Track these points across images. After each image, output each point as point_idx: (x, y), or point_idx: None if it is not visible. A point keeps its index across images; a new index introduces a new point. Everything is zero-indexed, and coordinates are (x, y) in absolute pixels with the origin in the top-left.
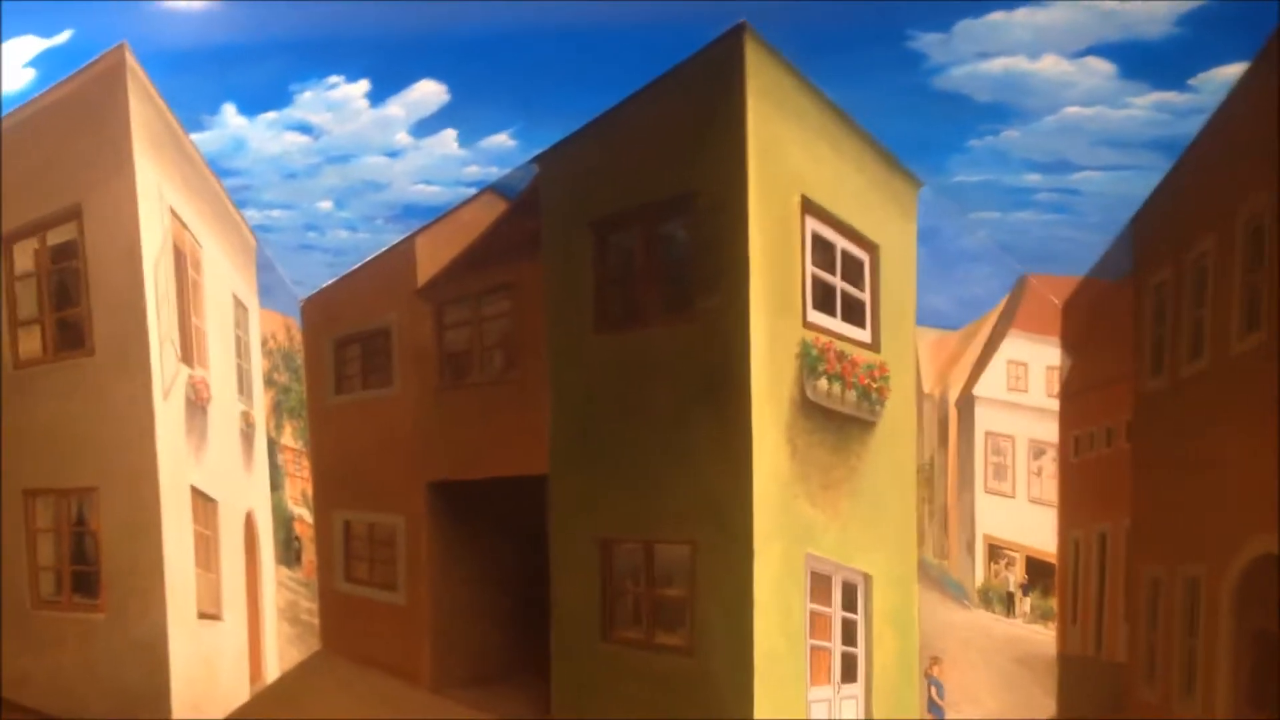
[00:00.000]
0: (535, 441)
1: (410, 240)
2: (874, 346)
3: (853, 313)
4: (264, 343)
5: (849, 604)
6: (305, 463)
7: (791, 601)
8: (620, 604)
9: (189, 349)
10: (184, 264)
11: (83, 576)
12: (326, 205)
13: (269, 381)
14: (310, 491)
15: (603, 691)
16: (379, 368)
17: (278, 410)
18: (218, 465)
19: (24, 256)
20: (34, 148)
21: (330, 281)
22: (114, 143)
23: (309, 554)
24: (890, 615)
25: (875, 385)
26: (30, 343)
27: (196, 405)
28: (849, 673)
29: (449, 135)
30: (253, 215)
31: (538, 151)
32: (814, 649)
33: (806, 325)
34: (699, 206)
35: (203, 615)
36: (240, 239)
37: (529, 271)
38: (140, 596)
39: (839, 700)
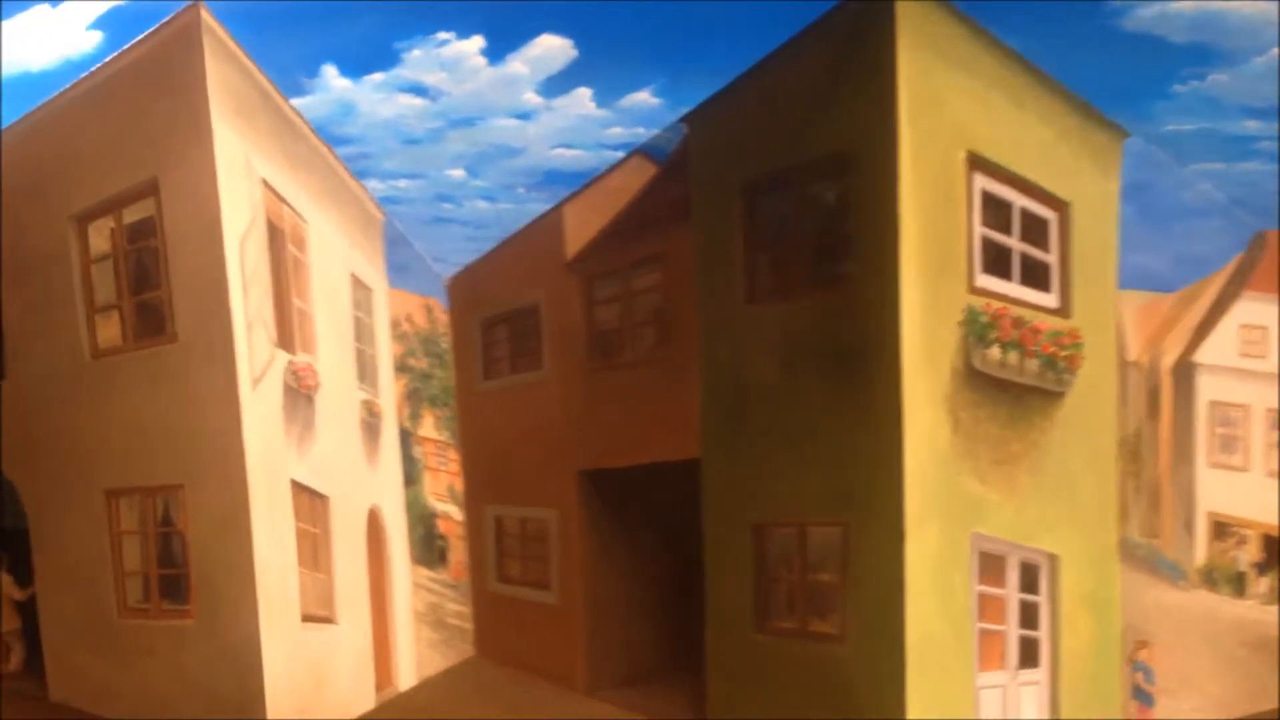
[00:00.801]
0: (686, 424)
1: (558, 210)
2: (1063, 312)
3: (1035, 276)
4: (395, 325)
5: (1030, 585)
6: (452, 455)
7: (954, 583)
8: (774, 592)
9: (288, 333)
10: (281, 241)
11: (170, 580)
12: (458, 173)
13: (402, 368)
14: (458, 486)
15: (756, 685)
16: (528, 350)
17: (414, 398)
18: (329, 458)
19: (99, 237)
20: (105, 118)
21: (476, 257)
22: (191, 110)
23: (458, 553)
24: (1084, 597)
25: (1063, 353)
26: (109, 330)
27: (299, 394)
28: (1029, 658)
29: (583, 94)
30: (375, 186)
31: (684, 110)
32: (984, 633)
33: (974, 291)
34: (849, 167)
35: (309, 618)
36: (361, 213)
37: (679, 241)
38: (231, 600)
39: (1016, 686)
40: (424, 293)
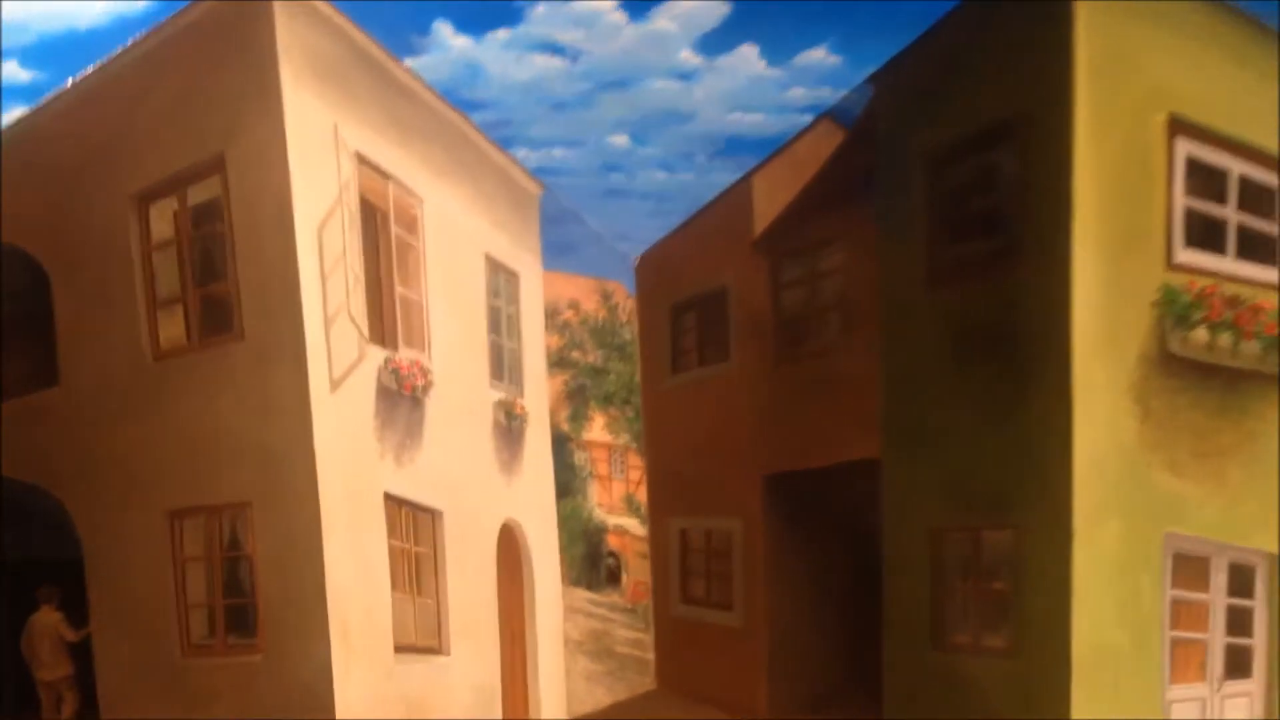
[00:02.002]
0: (868, 421)
1: (746, 181)
2: None
3: (1257, 249)
4: (553, 314)
5: (1243, 589)
6: (633, 461)
7: (1140, 588)
8: (949, 604)
9: (387, 327)
10: (382, 222)
11: (237, 611)
12: (621, 140)
13: (562, 362)
14: (640, 497)
15: (931, 705)
16: (715, 339)
17: (577, 397)
18: (443, 468)
19: (162, 220)
20: (166, 85)
21: (663, 234)
22: (260, 75)
23: (636, 573)
24: None
25: None
26: (171, 328)
27: (399, 396)
28: (1240, 667)
29: (748, 53)
30: (525, 155)
31: (868, 70)
32: (1178, 642)
33: (1173, 268)
34: (1026, 133)
35: (406, 649)
36: (507, 186)
37: (862, 216)
38: (302, 630)
39: (1218, 699)
40: (598, 274)
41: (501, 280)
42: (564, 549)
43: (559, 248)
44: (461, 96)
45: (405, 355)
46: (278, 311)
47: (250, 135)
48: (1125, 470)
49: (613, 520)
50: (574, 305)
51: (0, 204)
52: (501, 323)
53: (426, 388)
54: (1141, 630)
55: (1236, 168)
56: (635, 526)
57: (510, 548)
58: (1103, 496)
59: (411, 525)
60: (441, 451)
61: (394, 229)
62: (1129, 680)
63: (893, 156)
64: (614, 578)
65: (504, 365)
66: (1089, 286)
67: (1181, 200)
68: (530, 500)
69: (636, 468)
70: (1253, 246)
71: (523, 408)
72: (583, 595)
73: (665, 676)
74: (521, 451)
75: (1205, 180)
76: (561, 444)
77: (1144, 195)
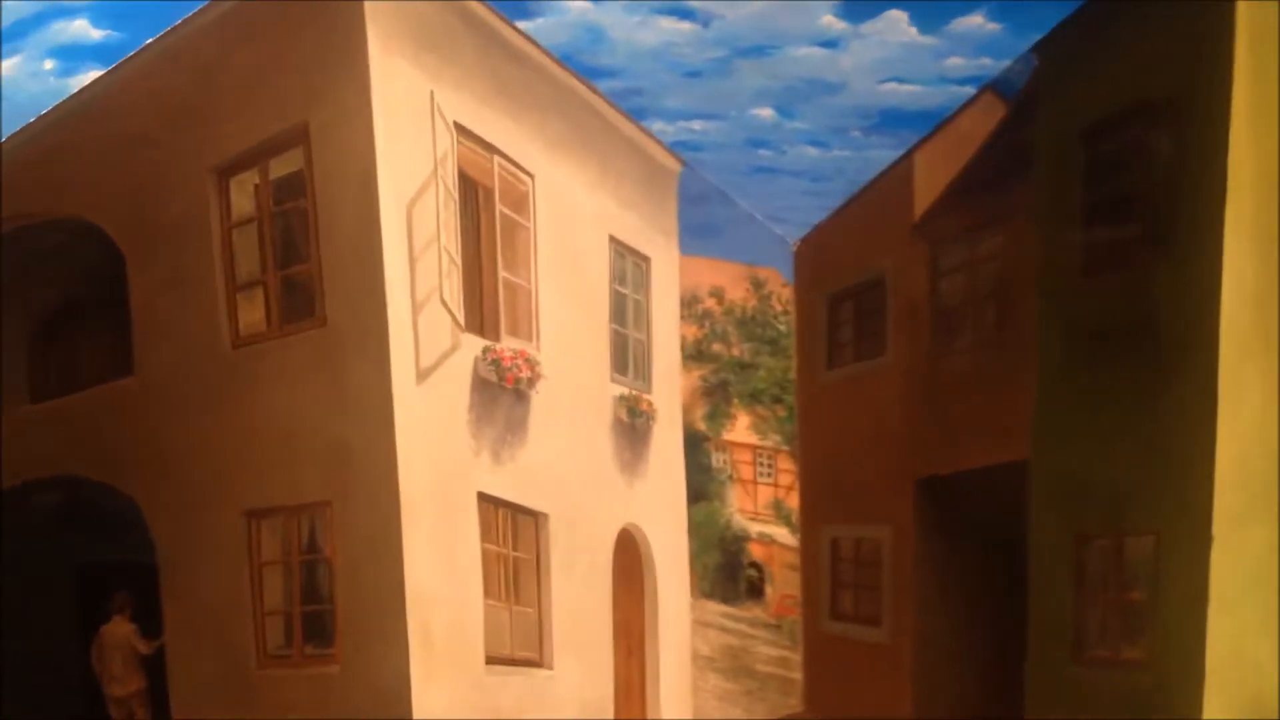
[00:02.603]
0: (1019, 420)
1: (908, 159)
2: None
3: None
4: (691, 303)
5: None
6: (784, 464)
7: None
8: (1090, 615)
9: (488, 314)
10: (485, 200)
11: (314, 619)
12: (765, 113)
13: (700, 355)
14: (790, 502)
15: None
16: (872, 331)
17: (717, 394)
18: (550, 467)
19: (242, 195)
20: (247, 47)
21: (822, 216)
22: (344, 37)
23: (784, 586)
24: None
25: None
26: (251, 312)
27: (500, 389)
28: None
29: (897, 18)
30: (660, 129)
31: (1032, 38)
32: None
33: None
34: (1182, 115)
35: (500, 660)
36: (640, 162)
37: (1022, 199)
38: (379, 638)
39: None
40: (748, 260)
41: (629, 265)
42: (695, 558)
43: (702, 230)
44: (584, 63)
45: (508, 345)
46: (361, 296)
47: (334, 103)
48: (1275, 473)
49: (756, 528)
50: (717, 293)
51: (68, 176)
52: (627, 311)
53: (533, 381)
54: None
55: None
56: (784, 535)
57: (629, 555)
58: (1248, 500)
59: (510, 528)
60: (549, 450)
61: (499, 207)
62: (1271, 692)
63: (1051, 133)
64: (755, 590)
65: (628, 358)
66: (1241, 278)
67: None
68: (655, 504)
69: (787, 471)
70: None
71: (649, 404)
72: (716, 609)
73: (813, 698)
74: (646, 451)
75: None
76: (697, 444)
77: None
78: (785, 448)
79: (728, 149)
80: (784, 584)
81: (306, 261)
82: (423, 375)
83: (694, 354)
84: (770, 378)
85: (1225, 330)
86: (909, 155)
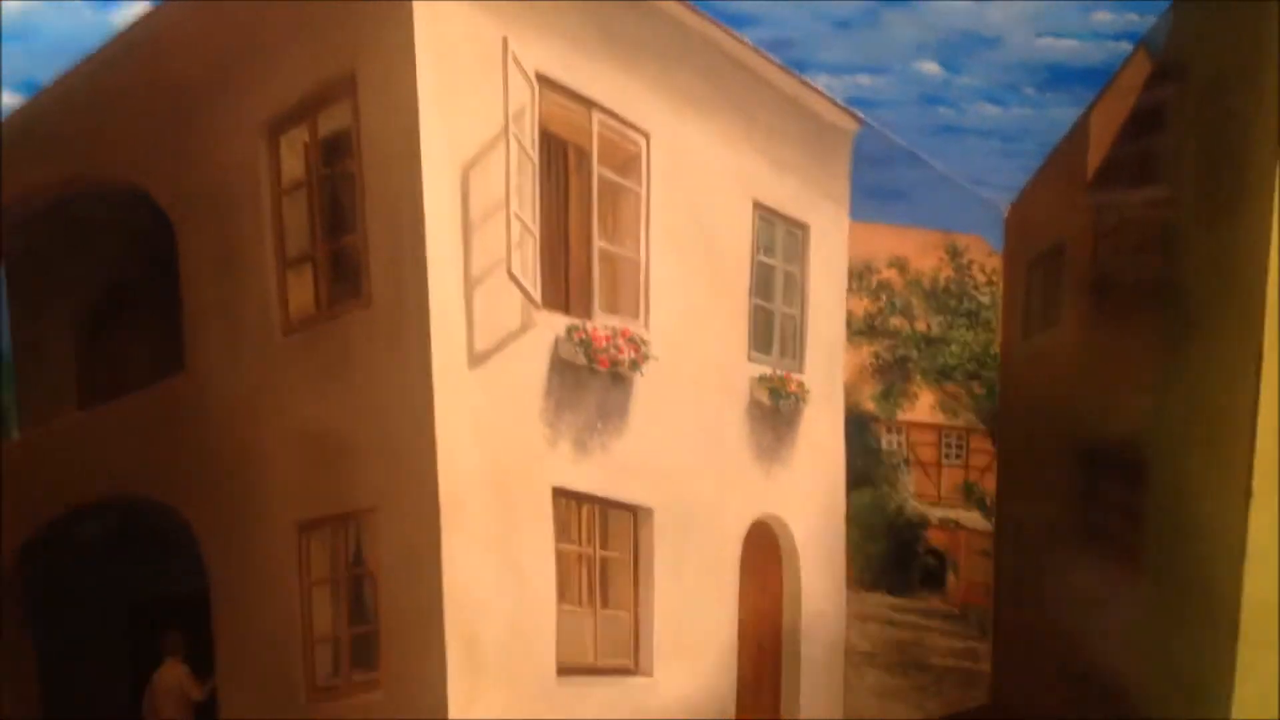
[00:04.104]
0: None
1: (1085, 119)
2: None
3: None
4: (865, 274)
5: None
6: (976, 444)
7: None
8: None
9: (576, 289)
10: (578, 162)
11: (363, 640)
12: (931, 68)
13: (870, 330)
14: (983, 484)
15: None
16: (1053, 300)
17: (895, 371)
18: (659, 457)
19: (293, 155)
20: None
21: (1030, 177)
22: None
23: (971, 573)
24: None
25: None
26: (302, 292)
27: (591, 371)
28: None
29: None
30: (827, 83)
31: None
32: None
33: None
34: (1243, 79)
35: (579, 670)
36: (798, 119)
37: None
38: (419, 656)
39: None
40: (944, 226)
41: (779, 233)
42: (856, 548)
43: (883, 194)
44: (724, 11)
45: (603, 323)
46: (404, 272)
47: (383, 52)
48: None
49: (938, 514)
50: (899, 263)
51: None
52: (774, 285)
53: (635, 362)
54: None
55: None
56: (974, 520)
57: (764, 548)
58: None
59: (599, 526)
60: (656, 438)
61: (597, 170)
62: None
63: (1187, 88)
64: (933, 580)
65: (773, 335)
66: None
67: None
68: (800, 493)
69: (982, 451)
70: None
71: (799, 384)
72: (881, 601)
73: (1002, 690)
74: (793, 435)
75: None
76: (863, 426)
77: None
78: (982, 427)
79: (902, 106)
80: (972, 571)
81: (354, 232)
82: (478, 359)
83: (864, 329)
84: (964, 352)
85: (1272, 291)
86: (1085, 115)
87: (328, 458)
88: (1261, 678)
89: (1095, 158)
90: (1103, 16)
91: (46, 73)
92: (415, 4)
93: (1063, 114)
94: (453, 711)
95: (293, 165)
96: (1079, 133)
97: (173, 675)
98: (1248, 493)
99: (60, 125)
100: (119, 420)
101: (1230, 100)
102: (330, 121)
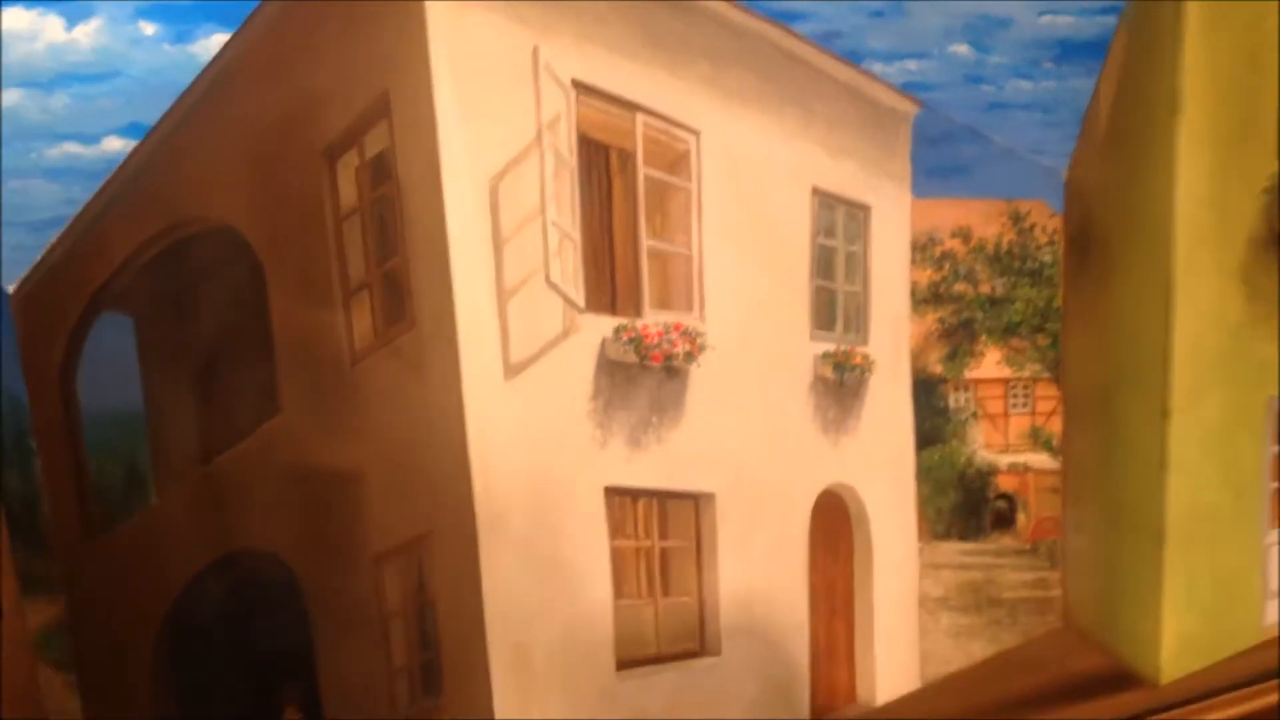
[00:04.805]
0: None
1: (1096, 89)
2: None
3: None
4: (928, 246)
5: None
6: (1041, 391)
7: (1240, 449)
8: None
9: (623, 289)
10: (620, 165)
11: (428, 669)
12: (964, 49)
13: (935, 298)
14: (1049, 427)
15: None
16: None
17: (961, 333)
18: (720, 443)
19: (348, 182)
20: (339, 5)
21: (1075, 143)
22: None
23: (1041, 509)
24: None
25: None
26: (364, 319)
27: (644, 368)
28: None
29: None
30: (882, 70)
31: None
32: None
33: None
34: (1141, 38)
35: (639, 661)
36: (855, 106)
37: None
38: (469, 679)
39: None
40: (1007, 195)
41: (840, 216)
42: (927, 502)
43: (946, 171)
44: (772, 9)
45: (654, 320)
46: (436, 289)
47: (411, 65)
48: (1229, 345)
49: (1007, 460)
50: (961, 233)
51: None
52: (836, 265)
53: (690, 355)
54: (1241, 486)
55: None
56: (1042, 461)
57: (834, 516)
58: (1202, 374)
59: (658, 517)
60: (716, 425)
61: (643, 171)
62: (1227, 531)
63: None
64: (1004, 521)
65: (837, 313)
66: (1195, 178)
67: None
68: (869, 459)
69: (1047, 398)
70: None
71: (863, 357)
72: (953, 548)
73: (1074, 612)
74: (859, 406)
75: None
76: (930, 389)
77: (1259, 91)
78: (1046, 375)
79: (950, 87)
80: (1041, 508)
81: (398, 254)
82: (515, 370)
83: (929, 298)
84: (1029, 308)
85: (1180, 226)
86: (1097, 84)
87: (392, 487)
88: (1183, 575)
89: (1104, 124)
90: None
91: (148, 114)
92: (430, 17)
93: (1082, 84)
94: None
95: (348, 191)
96: (1093, 101)
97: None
98: (1165, 412)
99: (165, 169)
100: (232, 472)
101: (1141, 69)
102: (375, 143)
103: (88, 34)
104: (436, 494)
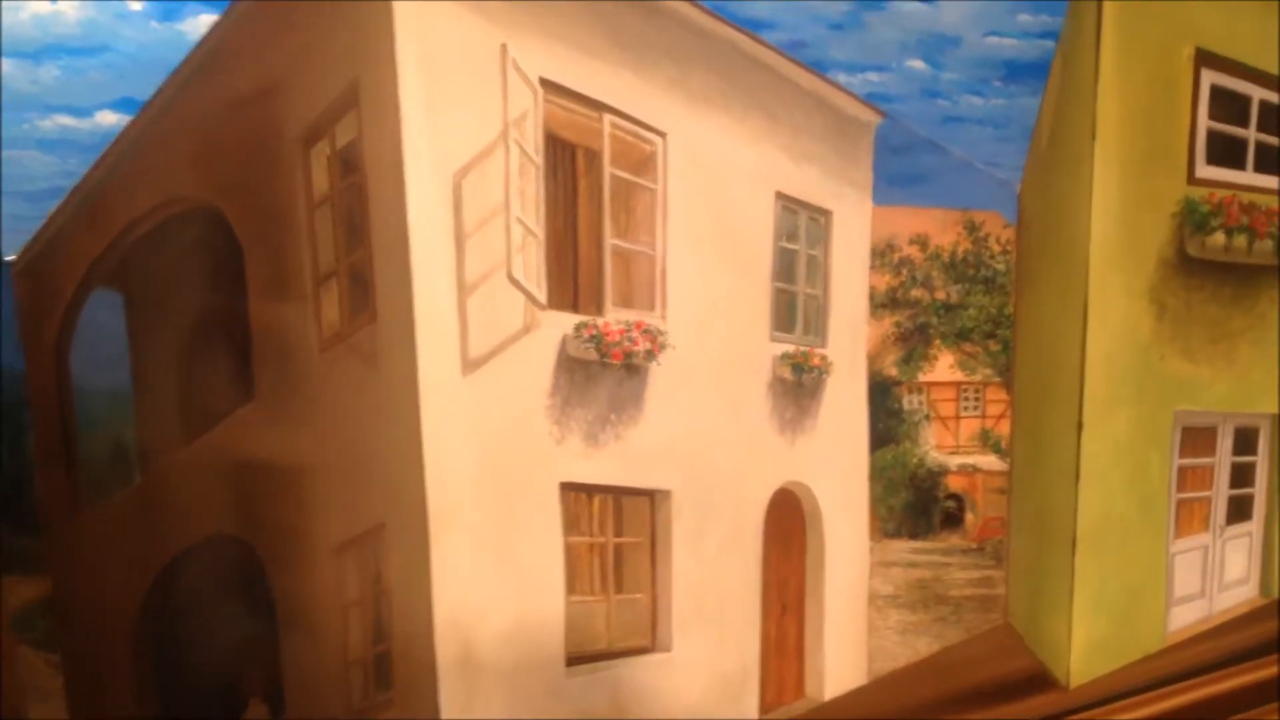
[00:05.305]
0: None
1: (1041, 107)
2: None
3: (1275, 164)
4: (887, 252)
5: (1246, 449)
6: (990, 395)
7: (1149, 462)
8: None
9: (585, 286)
10: (587, 164)
11: (381, 661)
12: (919, 64)
13: (892, 303)
14: (998, 430)
15: None
16: None
17: (915, 337)
18: (677, 441)
19: (319, 170)
20: None
21: (1026, 158)
22: None
23: (988, 510)
24: None
25: None
26: (331, 308)
27: (603, 366)
28: (1240, 514)
29: None
30: (846, 80)
31: None
32: (1185, 501)
33: (1194, 182)
34: (1064, 67)
35: (589, 657)
36: (820, 114)
37: None
38: (417, 672)
39: (1221, 543)
40: (963, 205)
41: (801, 220)
42: (879, 501)
43: (905, 180)
44: (738, 14)
45: (615, 318)
46: (396, 283)
47: (379, 58)
48: (1139, 363)
49: (957, 460)
50: (920, 240)
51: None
52: (797, 268)
53: (650, 353)
54: (1148, 498)
55: (1257, 94)
56: (990, 463)
57: (788, 514)
58: (1114, 388)
59: (613, 514)
60: (674, 423)
61: (608, 170)
62: (1135, 540)
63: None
64: (953, 520)
65: (796, 315)
66: (1109, 201)
67: (1205, 123)
68: (824, 458)
69: (997, 401)
70: (1271, 161)
71: (822, 358)
72: (903, 546)
73: (1013, 611)
74: (815, 406)
75: (1228, 105)
76: (885, 390)
77: (1170, 119)
78: (997, 380)
79: (908, 99)
80: (989, 508)
81: (364, 245)
82: (472, 366)
83: (886, 302)
84: (982, 315)
85: (1094, 246)
86: (1040, 104)
87: (351, 478)
88: (1093, 582)
89: (1044, 143)
90: (1025, 18)
91: (140, 89)
92: (397, 9)
93: (1029, 103)
94: (449, 715)
95: (320, 179)
96: (1038, 120)
97: (255, 715)
98: (1078, 425)
99: (156, 145)
100: (208, 456)
101: (1069, 94)
102: (346, 133)
103: (74, 7)
104: (392, 486)
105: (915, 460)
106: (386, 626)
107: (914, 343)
